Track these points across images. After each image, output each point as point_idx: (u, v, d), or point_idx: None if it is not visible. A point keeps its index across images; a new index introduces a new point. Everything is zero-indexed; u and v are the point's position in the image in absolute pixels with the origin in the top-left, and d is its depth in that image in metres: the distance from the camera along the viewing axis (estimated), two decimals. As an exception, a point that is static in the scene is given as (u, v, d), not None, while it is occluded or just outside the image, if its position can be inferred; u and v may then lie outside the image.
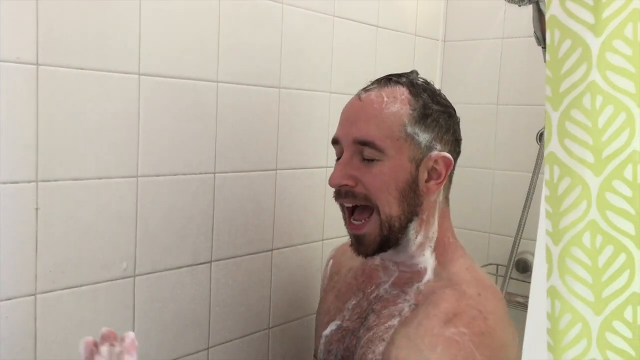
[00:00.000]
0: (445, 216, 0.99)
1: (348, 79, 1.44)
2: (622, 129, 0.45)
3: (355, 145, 0.93)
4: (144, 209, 1.06)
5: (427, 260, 0.96)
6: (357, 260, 1.07)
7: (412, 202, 0.94)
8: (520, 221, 1.47)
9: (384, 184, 0.92)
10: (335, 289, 1.09)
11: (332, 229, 1.43)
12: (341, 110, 1.02)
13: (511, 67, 1.63)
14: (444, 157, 0.94)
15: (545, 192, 0.47)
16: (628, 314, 0.44)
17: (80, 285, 0.99)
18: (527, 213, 1.46)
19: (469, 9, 1.71)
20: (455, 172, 0.99)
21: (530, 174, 1.48)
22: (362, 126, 0.93)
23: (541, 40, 1.36)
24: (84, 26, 0.95)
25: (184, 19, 1.09)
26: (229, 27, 1.17)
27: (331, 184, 0.95)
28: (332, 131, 1.43)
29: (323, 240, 1.43)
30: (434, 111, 0.94)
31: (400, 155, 0.92)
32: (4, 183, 0.89)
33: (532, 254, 1.54)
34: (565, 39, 0.46)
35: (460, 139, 1.00)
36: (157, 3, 1.04)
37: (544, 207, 0.48)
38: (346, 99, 1.50)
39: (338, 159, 0.98)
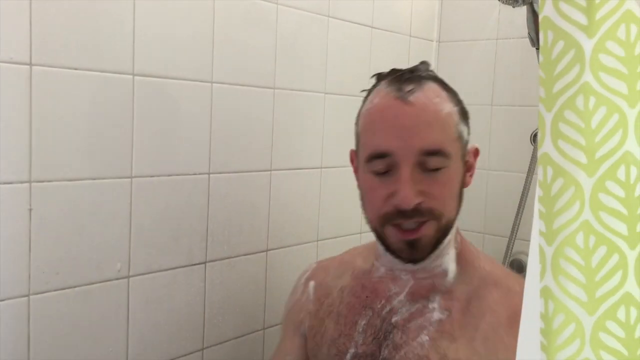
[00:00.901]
0: None
1: (343, 80, 1.44)
2: (615, 130, 0.45)
3: (420, 157, 0.83)
4: (138, 210, 1.06)
5: (449, 260, 0.90)
6: (346, 278, 0.98)
7: (460, 200, 0.89)
8: (515, 222, 1.48)
9: (450, 191, 0.85)
10: (334, 314, 0.96)
11: (327, 230, 1.44)
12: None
13: (505, 68, 1.64)
14: (475, 149, 0.91)
15: (538, 192, 0.47)
16: (621, 313, 0.44)
17: (74, 286, 0.99)
18: (522, 214, 1.47)
19: (464, 10, 1.71)
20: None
21: (525, 175, 1.48)
22: (426, 134, 0.83)
23: (535, 41, 1.37)
24: (77, 26, 0.95)
25: (178, 19, 1.09)
26: (223, 27, 1.16)
27: (406, 206, 0.83)
28: (327, 132, 1.43)
29: (317, 241, 1.43)
30: (461, 101, 0.90)
31: (457, 157, 0.86)
32: (-3, 184, 0.89)
33: (527, 255, 1.54)
34: (558, 40, 0.46)
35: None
36: (151, 3, 1.04)
37: (537, 207, 0.48)
38: (341, 99, 1.50)
39: (382, 173, 0.85)
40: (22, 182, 0.91)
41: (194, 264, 1.17)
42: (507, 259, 1.50)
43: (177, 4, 1.08)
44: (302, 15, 1.33)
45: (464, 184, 0.89)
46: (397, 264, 0.90)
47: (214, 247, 1.20)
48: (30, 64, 0.90)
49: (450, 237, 0.89)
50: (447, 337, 0.84)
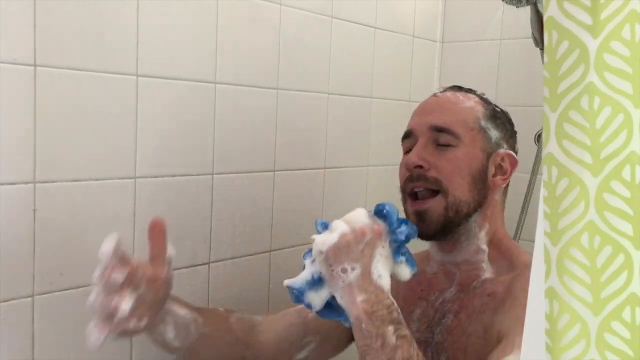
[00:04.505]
0: (502, 217, 1.03)
1: (346, 80, 1.44)
2: (620, 130, 0.45)
3: (431, 132, 0.96)
4: (141, 211, 1.06)
5: (485, 254, 0.99)
6: None
7: (480, 193, 0.97)
8: (519, 222, 1.47)
9: (457, 168, 0.95)
10: None
11: (331, 230, 1.43)
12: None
13: (509, 69, 1.63)
14: (511, 156, 0.99)
15: (543, 192, 0.47)
16: (626, 314, 0.44)
17: (78, 287, 0.99)
18: (526, 214, 1.46)
19: (467, 10, 1.71)
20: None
21: (529, 175, 1.48)
22: (438, 115, 0.97)
23: (539, 41, 1.36)
24: (81, 27, 0.95)
25: (182, 20, 1.09)
26: (226, 28, 1.17)
27: (407, 165, 0.97)
28: (330, 132, 1.43)
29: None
30: (502, 116, 1.02)
31: (473, 144, 0.96)
32: (2, 184, 0.89)
33: (531, 255, 1.54)
34: (562, 40, 0.46)
35: (517, 152, 1.04)
36: (155, 4, 1.04)
37: (542, 207, 0.48)
38: (344, 100, 1.50)
39: (406, 152, 1.00)
40: (26, 183, 0.91)
41: (198, 265, 1.17)
42: (511, 259, 1.50)
43: (181, 5, 1.09)
44: (305, 16, 1.33)
45: (485, 177, 0.97)
46: (445, 258, 1.01)
47: (217, 248, 1.20)
48: (35, 65, 0.91)
49: (484, 235, 0.98)
50: (491, 312, 0.93)
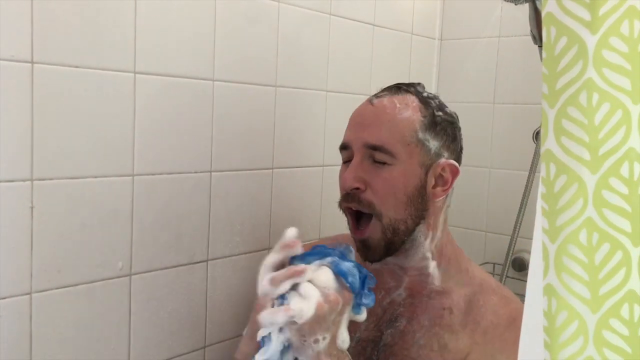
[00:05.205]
0: (446, 220, 1.01)
1: (344, 78, 1.44)
2: (619, 126, 0.45)
3: (366, 149, 0.94)
4: (139, 208, 1.06)
5: (429, 260, 0.98)
6: None
7: (420, 207, 0.95)
8: (517, 220, 1.47)
9: (392, 188, 0.93)
10: None
11: (329, 228, 1.43)
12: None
13: (508, 66, 1.63)
14: (451, 165, 0.96)
15: (541, 189, 0.47)
16: (625, 311, 0.44)
17: (76, 284, 0.99)
18: (524, 211, 1.46)
19: (466, 8, 1.71)
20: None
21: (527, 173, 1.48)
22: (374, 130, 0.94)
23: (537, 38, 1.36)
24: (79, 24, 0.95)
25: (180, 17, 1.09)
26: (225, 25, 1.16)
27: (344, 187, 0.96)
28: (329, 130, 1.43)
29: (320, 239, 1.43)
30: (442, 120, 0.97)
31: (411, 160, 0.93)
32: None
33: (529, 253, 1.54)
34: (561, 36, 0.46)
35: (462, 149, 1.02)
36: (153, 1, 1.04)
37: (540, 204, 0.48)
38: (343, 97, 1.50)
39: (345, 162, 0.99)
40: (23, 180, 0.91)
41: (196, 262, 1.17)
42: (509, 257, 1.50)
43: (179, 2, 1.08)
44: (304, 13, 1.33)
45: (424, 191, 0.95)
46: (390, 259, 0.98)
47: (215, 245, 1.20)
48: (32, 62, 0.90)
49: (429, 242, 0.97)
50: (448, 329, 0.93)
